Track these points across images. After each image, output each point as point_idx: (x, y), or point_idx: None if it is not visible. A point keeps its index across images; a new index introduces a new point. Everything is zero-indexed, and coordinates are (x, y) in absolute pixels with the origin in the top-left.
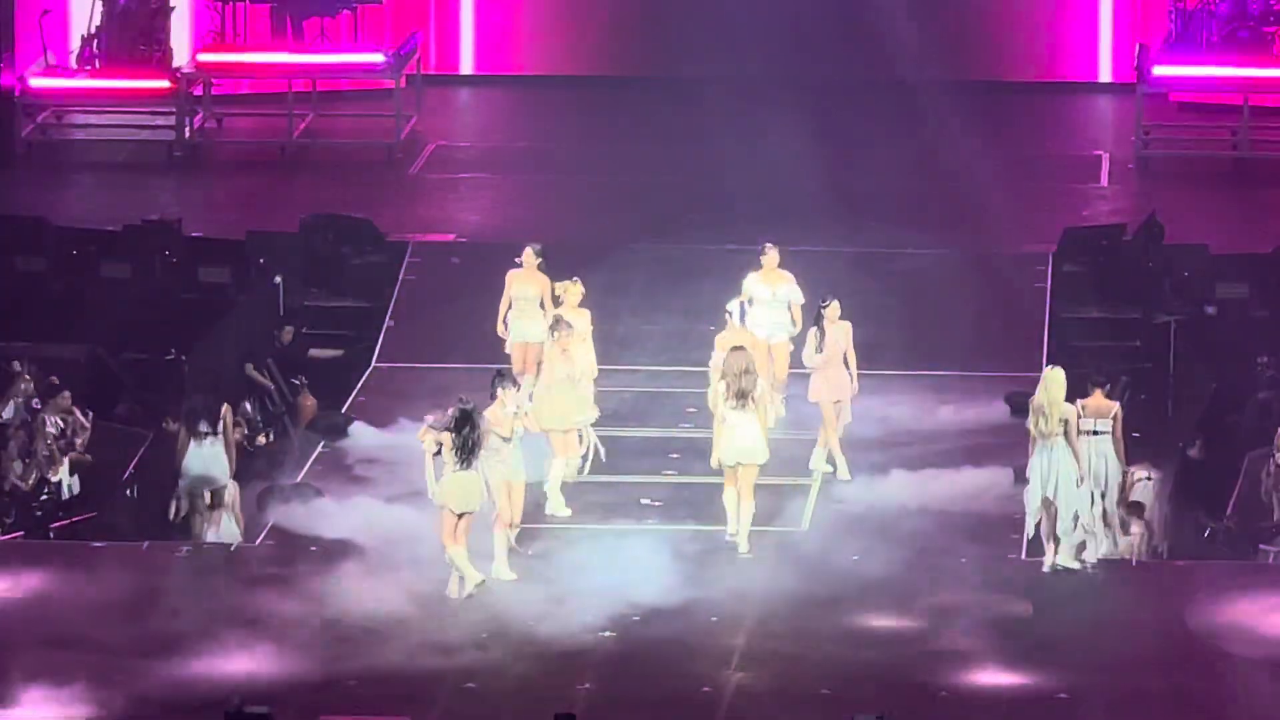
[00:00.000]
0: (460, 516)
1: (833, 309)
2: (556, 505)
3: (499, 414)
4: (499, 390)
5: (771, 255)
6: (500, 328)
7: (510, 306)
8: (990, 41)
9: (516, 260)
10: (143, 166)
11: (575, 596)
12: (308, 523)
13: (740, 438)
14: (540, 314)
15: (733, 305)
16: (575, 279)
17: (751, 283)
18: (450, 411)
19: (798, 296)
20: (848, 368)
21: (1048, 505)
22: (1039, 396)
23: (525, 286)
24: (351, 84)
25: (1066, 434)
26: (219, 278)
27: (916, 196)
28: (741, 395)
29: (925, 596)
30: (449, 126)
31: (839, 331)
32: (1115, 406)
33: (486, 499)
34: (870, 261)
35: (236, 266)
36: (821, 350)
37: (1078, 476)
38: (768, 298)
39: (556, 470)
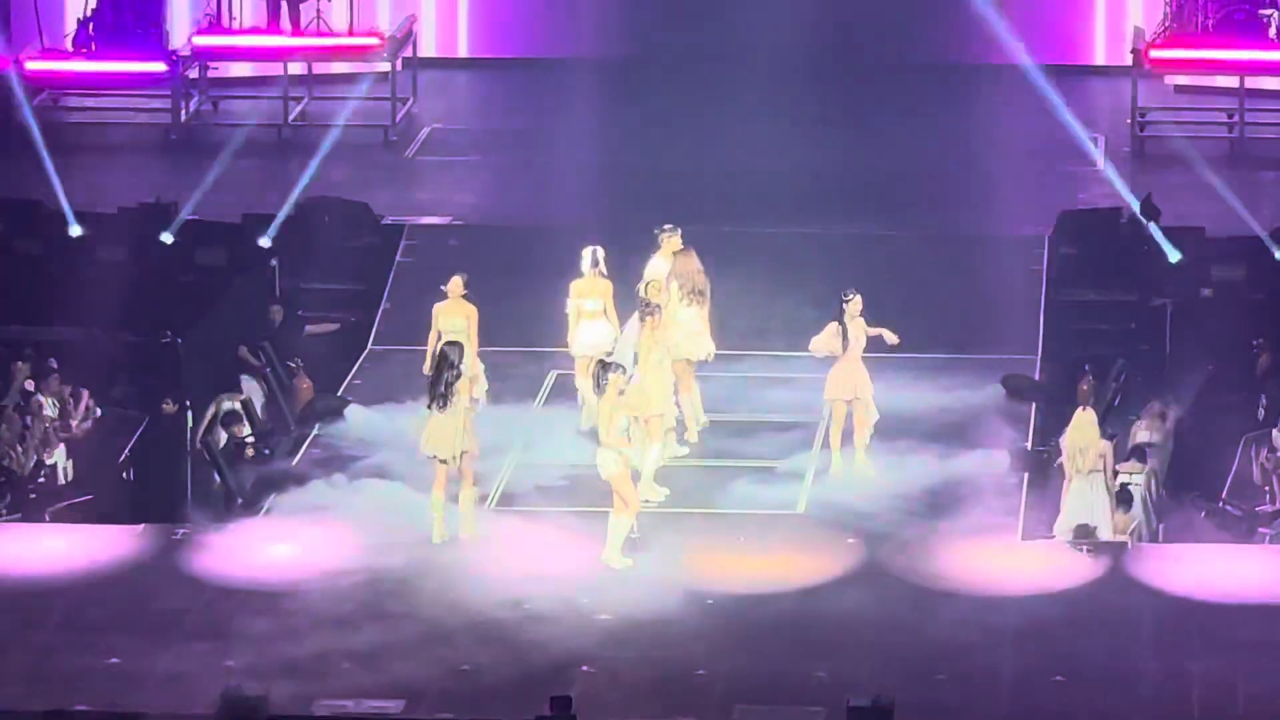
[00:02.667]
0: (444, 464)
1: (854, 304)
2: (652, 490)
3: (616, 400)
4: (608, 377)
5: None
6: (428, 366)
7: (439, 340)
8: (987, 24)
9: (442, 288)
10: (139, 149)
11: (573, 579)
12: (303, 505)
13: (689, 332)
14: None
15: (586, 252)
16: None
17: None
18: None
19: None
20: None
21: (1081, 530)
22: (1072, 439)
23: (451, 318)
24: (347, 67)
25: (1104, 469)
26: (215, 260)
27: (911, 178)
28: (696, 293)
29: (919, 579)
30: (445, 109)
31: (859, 327)
32: (1107, 445)
33: (470, 448)
34: (864, 244)
35: (233, 249)
36: (846, 347)
37: (1112, 508)
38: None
39: (654, 455)
